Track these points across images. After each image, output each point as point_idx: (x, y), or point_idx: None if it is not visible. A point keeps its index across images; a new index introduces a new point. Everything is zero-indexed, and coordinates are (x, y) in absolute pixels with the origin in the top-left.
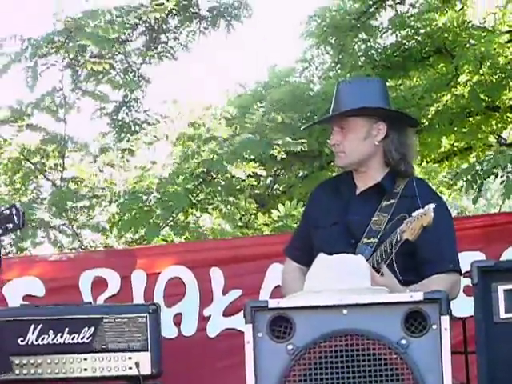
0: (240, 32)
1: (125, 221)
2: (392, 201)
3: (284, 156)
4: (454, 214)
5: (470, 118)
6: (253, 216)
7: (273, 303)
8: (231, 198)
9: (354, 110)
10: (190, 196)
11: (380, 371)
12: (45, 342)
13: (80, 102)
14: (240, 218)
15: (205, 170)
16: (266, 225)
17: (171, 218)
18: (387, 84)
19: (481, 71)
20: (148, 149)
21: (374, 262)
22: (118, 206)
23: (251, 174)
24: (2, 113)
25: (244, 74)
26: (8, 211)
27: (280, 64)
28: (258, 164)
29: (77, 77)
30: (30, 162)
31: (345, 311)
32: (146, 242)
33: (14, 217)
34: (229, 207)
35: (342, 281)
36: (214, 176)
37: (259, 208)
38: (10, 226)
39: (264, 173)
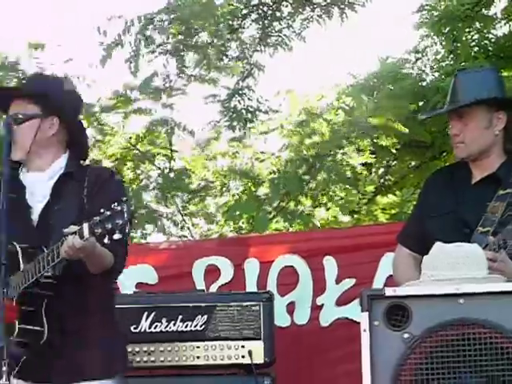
0: (352, 20)
1: (237, 208)
2: (508, 190)
3: (398, 146)
4: None
5: None
6: (365, 206)
7: (389, 291)
8: (343, 186)
9: (478, 100)
10: (301, 183)
11: (497, 360)
12: (158, 329)
13: (189, 88)
14: (353, 207)
15: (316, 152)
16: (381, 212)
17: (282, 206)
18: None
19: None
20: (261, 138)
21: (491, 251)
22: (232, 195)
23: (364, 164)
24: (107, 100)
25: (355, 64)
26: (119, 207)
27: (392, 54)
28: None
29: (182, 61)
30: (138, 150)
31: (461, 300)
32: (258, 231)
33: (124, 213)
34: (342, 195)
35: (459, 269)
36: (326, 163)
37: (372, 197)
38: (120, 222)
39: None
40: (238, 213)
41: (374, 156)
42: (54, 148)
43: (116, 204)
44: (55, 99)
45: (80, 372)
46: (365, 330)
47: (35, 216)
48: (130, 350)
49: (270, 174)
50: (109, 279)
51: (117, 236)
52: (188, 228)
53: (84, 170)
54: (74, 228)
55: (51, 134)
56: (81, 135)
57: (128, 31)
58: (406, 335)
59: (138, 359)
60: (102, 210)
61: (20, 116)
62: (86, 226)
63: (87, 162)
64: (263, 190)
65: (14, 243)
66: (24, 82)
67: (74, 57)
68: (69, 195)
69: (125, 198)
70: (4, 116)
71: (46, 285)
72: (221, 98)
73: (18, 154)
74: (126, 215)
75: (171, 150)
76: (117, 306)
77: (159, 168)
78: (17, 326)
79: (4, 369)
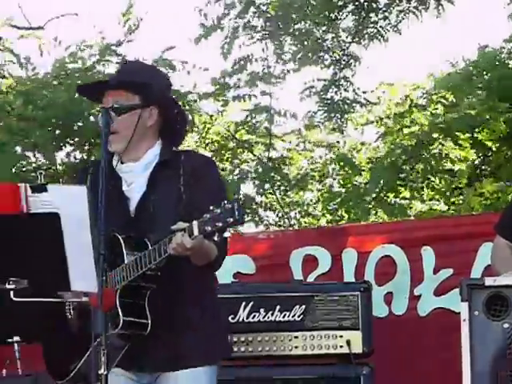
0: (448, 10)
1: (335, 199)
2: None
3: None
4: None
5: None
6: (462, 196)
7: (489, 281)
8: (441, 176)
9: None
10: (399, 174)
11: None
12: (256, 319)
13: (288, 77)
14: (450, 197)
15: (415, 143)
16: (478, 202)
17: (380, 196)
18: None
19: None
20: (359, 128)
21: None
22: (330, 186)
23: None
24: (204, 87)
25: (451, 52)
26: (230, 205)
27: (490, 43)
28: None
29: (281, 48)
30: (236, 139)
31: None
32: (357, 221)
33: (235, 211)
34: (440, 185)
35: None
36: (424, 153)
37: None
38: (230, 220)
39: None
40: (336, 203)
41: (472, 149)
42: (150, 137)
43: (227, 202)
44: (155, 89)
45: (182, 360)
46: (464, 320)
47: (133, 206)
48: None
49: (368, 163)
50: (210, 270)
51: (227, 234)
52: (286, 218)
53: (178, 157)
54: (182, 225)
55: (150, 124)
56: (176, 123)
57: (227, 15)
58: (506, 325)
59: (235, 349)
60: (211, 208)
61: (122, 106)
62: (195, 223)
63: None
64: (362, 181)
65: (117, 234)
66: (122, 70)
67: (172, 43)
68: (165, 184)
69: (237, 196)
70: (100, 106)
71: (150, 277)
72: (317, 89)
73: (120, 144)
74: (237, 214)
75: (270, 138)
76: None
77: (258, 157)
78: (121, 318)
79: (103, 358)
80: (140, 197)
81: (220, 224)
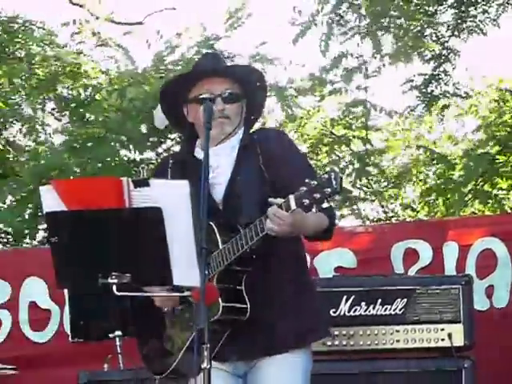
0: None
1: (433, 192)
2: None
3: None
4: None
5: None
6: None
7: None
8: None
9: None
10: (495, 165)
11: None
12: (357, 313)
13: (383, 72)
14: None
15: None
16: None
17: (478, 188)
18: None
19: None
20: (457, 121)
21: None
22: (427, 177)
23: None
24: (302, 82)
25: None
26: (326, 175)
27: None
28: None
29: (377, 44)
30: (334, 134)
31: None
32: (453, 214)
33: (333, 181)
34: None
35: None
36: None
37: None
38: (328, 190)
39: None
40: (434, 196)
41: None
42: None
43: (323, 172)
44: (252, 80)
45: (279, 344)
46: None
47: (219, 192)
48: None
49: (463, 158)
50: (324, 239)
51: (325, 205)
52: (385, 212)
53: (251, 138)
54: (278, 201)
55: (243, 115)
56: (258, 114)
57: (321, 10)
58: None
59: (336, 343)
60: (307, 180)
61: (232, 94)
62: (291, 197)
63: None
64: (458, 173)
65: (210, 222)
66: (213, 59)
67: (267, 38)
68: (249, 167)
69: (332, 167)
70: (202, 96)
71: (246, 260)
72: (417, 83)
73: (229, 128)
74: (334, 183)
75: (367, 133)
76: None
77: (355, 152)
78: (221, 304)
79: (206, 353)
80: (227, 181)
81: (318, 195)
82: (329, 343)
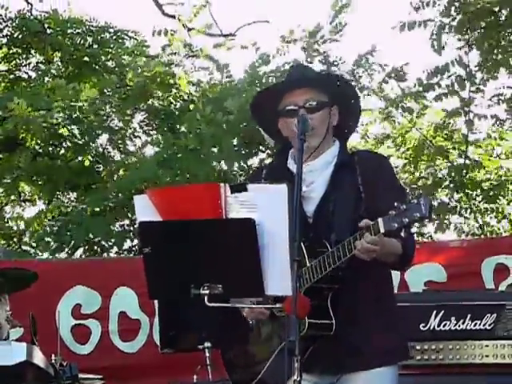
0: None
1: None
2: None
3: None
4: None
5: None
6: None
7: None
8: None
9: None
10: None
11: None
12: (446, 327)
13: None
14: None
15: None
16: None
17: None
18: None
19: None
20: None
21: None
22: None
23: None
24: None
25: None
26: (416, 200)
27: None
28: None
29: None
30: (432, 144)
31: None
32: None
33: (422, 207)
34: None
35: None
36: None
37: None
38: (417, 215)
39: None
40: None
41: None
42: (330, 137)
43: (413, 197)
44: (339, 87)
45: (365, 361)
46: None
47: (311, 207)
48: (418, 347)
49: None
50: (398, 267)
51: (414, 230)
52: (480, 226)
53: (352, 157)
54: (368, 223)
55: (334, 123)
56: (353, 124)
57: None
58: None
59: (426, 357)
60: (396, 204)
61: (314, 104)
62: (381, 220)
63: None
64: None
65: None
66: (298, 71)
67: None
68: (344, 185)
69: (421, 193)
70: (289, 108)
71: (333, 278)
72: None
73: (317, 138)
74: (423, 209)
75: (467, 144)
76: (406, 304)
77: (453, 164)
78: (307, 320)
79: (296, 365)
80: (321, 196)
81: (406, 220)
82: (418, 357)
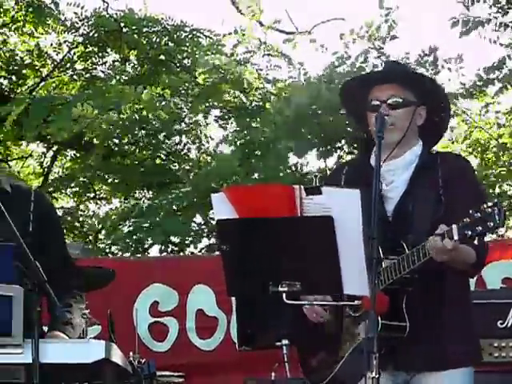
0: None
1: None
2: None
3: None
4: None
5: None
6: None
7: None
8: None
9: None
10: None
11: None
12: None
13: None
14: None
15: None
16: None
17: None
18: None
19: None
20: None
21: None
22: None
23: None
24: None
25: None
26: (490, 209)
27: None
28: None
29: None
30: (498, 142)
31: None
32: None
33: (495, 216)
34: None
35: None
36: None
37: None
38: (491, 224)
39: None
40: None
41: None
42: (414, 136)
43: (486, 206)
44: (429, 88)
45: (440, 361)
46: None
47: (391, 206)
48: (495, 344)
49: None
50: (469, 275)
51: (487, 238)
52: None
53: (435, 158)
54: (443, 228)
55: (419, 123)
56: (441, 127)
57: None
58: None
59: (503, 354)
60: (471, 212)
61: (399, 101)
62: (455, 227)
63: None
64: None
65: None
66: (390, 66)
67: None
68: (425, 186)
69: (495, 201)
70: (374, 102)
71: (408, 280)
72: None
73: (396, 135)
74: (497, 218)
75: None
76: (483, 301)
77: None
78: (380, 321)
79: (374, 362)
80: (400, 196)
81: (480, 228)
82: (496, 354)
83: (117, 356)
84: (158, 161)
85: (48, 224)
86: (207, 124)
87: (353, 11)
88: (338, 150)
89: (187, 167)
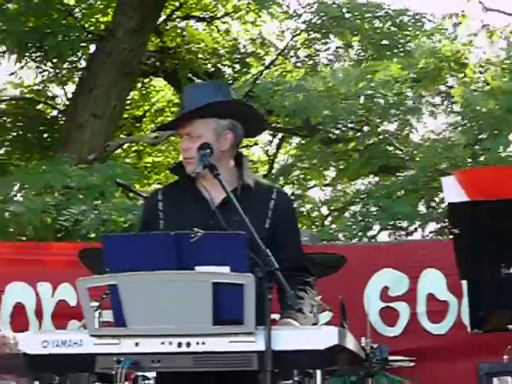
0: None
1: None
2: None
3: None
4: None
5: None
6: None
7: None
8: None
9: None
10: None
11: None
12: None
13: None
14: None
15: None
16: None
17: None
18: None
19: None
20: None
21: None
22: None
23: None
24: None
25: None
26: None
27: None
28: None
29: None
30: None
31: None
32: None
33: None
34: None
35: None
36: None
37: None
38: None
39: None
40: None
41: None
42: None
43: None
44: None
45: None
46: None
47: None
48: None
49: None
50: None
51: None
52: None
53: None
54: None
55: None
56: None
57: None
58: None
59: None
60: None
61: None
62: None
63: None
64: None
65: None
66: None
67: None
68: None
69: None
70: None
71: None
72: None
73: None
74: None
75: None
76: None
77: None
78: None
79: None
80: None
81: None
82: None
83: (350, 342)
84: (381, 145)
85: (285, 224)
86: (429, 108)
87: None
88: None
89: (411, 150)
